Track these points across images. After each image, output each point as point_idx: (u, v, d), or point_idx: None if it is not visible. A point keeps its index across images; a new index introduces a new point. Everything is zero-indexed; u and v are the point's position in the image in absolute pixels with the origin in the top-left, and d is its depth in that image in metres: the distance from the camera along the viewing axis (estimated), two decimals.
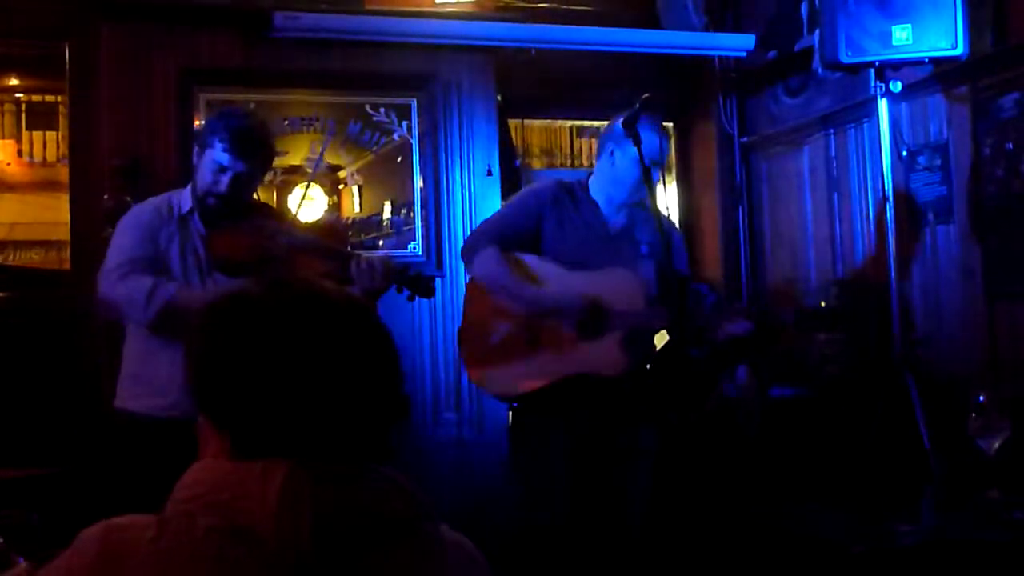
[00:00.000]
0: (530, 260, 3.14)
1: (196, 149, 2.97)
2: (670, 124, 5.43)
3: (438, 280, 4.44)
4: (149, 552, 1.07)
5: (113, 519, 1.11)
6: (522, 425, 3.26)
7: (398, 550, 1.14)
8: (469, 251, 3.20)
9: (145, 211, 3.00)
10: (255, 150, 2.91)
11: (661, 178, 3.09)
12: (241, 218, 2.92)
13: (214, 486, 1.11)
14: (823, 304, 3.07)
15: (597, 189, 3.21)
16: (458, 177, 4.61)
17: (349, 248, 3.10)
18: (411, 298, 3.02)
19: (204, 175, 2.89)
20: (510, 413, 3.34)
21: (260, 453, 1.12)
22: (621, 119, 3.01)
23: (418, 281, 2.98)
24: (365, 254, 2.94)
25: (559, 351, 3.08)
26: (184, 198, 2.99)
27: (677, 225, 5.40)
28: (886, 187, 3.87)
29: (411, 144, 4.62)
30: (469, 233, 3.36)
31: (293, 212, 4.31)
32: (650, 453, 3.23)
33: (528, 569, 3.14)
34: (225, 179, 2.86)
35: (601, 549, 3.13)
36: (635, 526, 3.17)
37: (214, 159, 2.86)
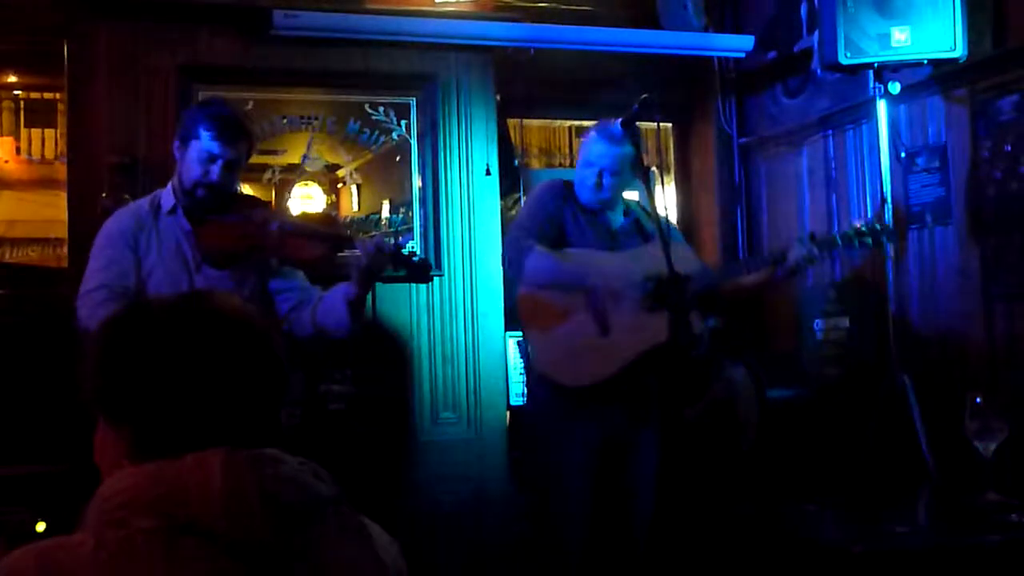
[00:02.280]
0: (573, 251, 3.30)
1: (177, 144, 2.95)
2: (668, 124, 5.44)
3: (436, 280, 4.44)
4: (91, 565, 1.05)
5: (38, 543, 1.10)
6: (542, 426, 3.32)
7: (329, 527, 1.17)
8: (516, 259, 3.29)
9: (118, 221, 2.98)
10: (241, 135, 2.92)
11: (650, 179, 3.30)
12: (228, 210, 2.92)
13: (144, 488, 1.11)
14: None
15: (576, 186, 3.41)
16: (457, 176, 4.60)
17: (343, 233, 3.09)
18: (407, 279, 3.04)
19: (192, 168, 2.89)
20: (509, 413, 3.39)
21: (172, 449, 1.14)
22: (602, 126, 3.30)
23: (413, 261, 2.97)
24: (360, 235, 2.94)
25: (631, 331, 3.19)
26: (165, 196, 2.98)
27: (676, 225, 5.45)
28: (884, 188, 3.87)
29: (410, 143, 4.61)
30: (506, 244, 3.44)
31: (289, 209, 4.31)
32: (656, 447, 3.28)
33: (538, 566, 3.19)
34: (216, 168, 2.86)
35: (613, 545, 3.19)
36: (645, 521, 3.22)
37: (203, 149, 2.86)
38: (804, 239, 3.23)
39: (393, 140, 4.60)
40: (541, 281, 3.27)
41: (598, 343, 3.20)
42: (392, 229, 4.58)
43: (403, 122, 4.60)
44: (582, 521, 3.17)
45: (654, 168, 3.01)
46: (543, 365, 3.30)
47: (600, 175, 3.30)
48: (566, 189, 3.42)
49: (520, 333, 4.03)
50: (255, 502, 1.10)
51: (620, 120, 3.02)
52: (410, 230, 4.57)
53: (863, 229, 3.25)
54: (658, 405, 3.38)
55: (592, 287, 3.21)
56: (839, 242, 3.24)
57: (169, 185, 2.99)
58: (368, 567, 1.19)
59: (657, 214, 3.01)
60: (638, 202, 3.54)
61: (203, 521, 1.08)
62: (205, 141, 2.86)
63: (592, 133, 3.38)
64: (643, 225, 3.40)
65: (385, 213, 4.62)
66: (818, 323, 4.53)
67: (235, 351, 1.22)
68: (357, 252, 2.84)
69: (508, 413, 4.58)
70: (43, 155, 6.01)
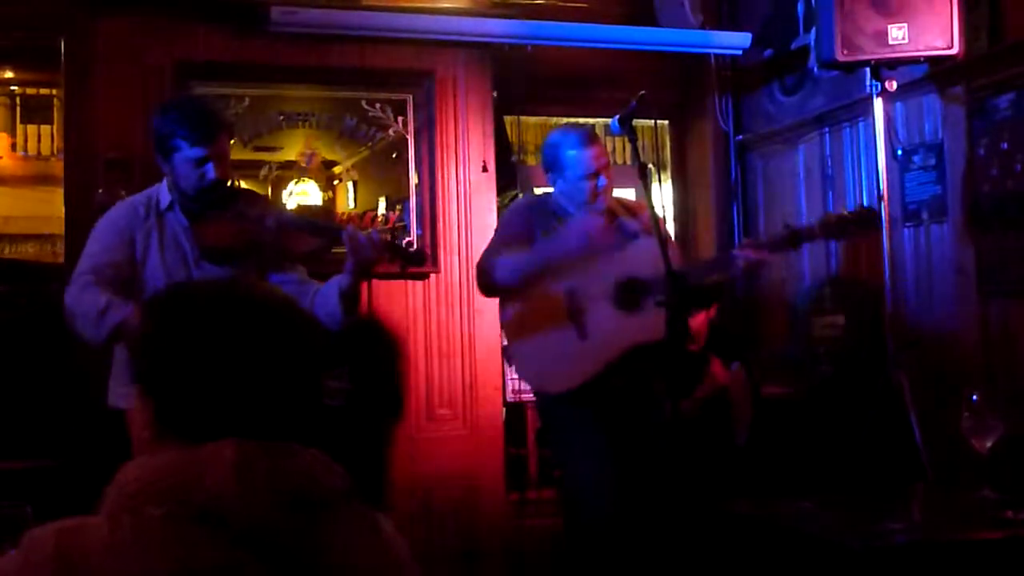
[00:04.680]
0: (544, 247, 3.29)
1: (159, 157, 2.91)
2: (665, 122, 5.44)
3: (432, 276, 4.44)
4: (106, 547, 1.08)
5: (61, 522, 1.13)
6: (559, 418, 3.38)
7: (340, 519, 1.20)
8: (485, 273, 3.31)
9: (120, 213, 2.98)
10: (218, 128, 2.91)
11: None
12: (224, 205, 2.92)
13: (161, 475, 1.14)
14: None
15: (563, 199, 3.40)
16: (453, 173, 4.60)
17: (337, 225, 3.10)
18: (403, 270, 3.05)
19: (186, 177, 2.87)
20: (539, 407, 3.53)
21: (200, 433, 1.17)
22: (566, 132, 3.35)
23: (408, 251, 2.98)
24: (354, 228, 2.94)
25: (608, 332, 3.22)
26: (162, 193, 2.97)
27: (672, 223, 5.45)
28: (880, 186, 3.87)
29: (407, 140, 4.61)
30: (478, 269, 3.40)
31: (285, 205, 4.31)
32: (661, 441, 3.30)
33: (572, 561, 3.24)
34: (209, 167, 2.86)
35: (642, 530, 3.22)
36: (658, 515, 3.25)
37: (188, 157, 2.85)
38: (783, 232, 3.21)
39: (390, 136, 4.60)
40: (514, 279, 3.26)
41: (576, 347, 3.24)
42: (388, 226, 4.57)
43: (400, 118, 4.60)
44: (607, 506, 3.20)
45: (651, 165, 3.00)
46: (529, 378, 3.39)
47: (596, 182, 3.31)
48: (539, 205, 3.42)
49: None
50: (265, 490, 1.13)
51: (617, 117, 3.00)
52: (406, 227, 4.57)
53: (846, 215, 3.21)
54: (662, 399, 3.38)
55: (566, 263, 3.20)
56: (819, 232, 3.21)
57: (164, 182, 2.98)
58: (378, 559, 1.22)
59: (650, 209, 3.01)
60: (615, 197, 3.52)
61: (215, 510, 1.10)
62: (186, 149, 2.84)
63: (569, 140, 3.33)
64: (622, 223, 3.39)
65: (381, 210, 4.62)
66: (814, 320, 4.54)
67: (273, 339, 1.24)
68: (351, 244, 2.85)
69: (504, 410, 4.58)
70: (39, 151, 5.99)
